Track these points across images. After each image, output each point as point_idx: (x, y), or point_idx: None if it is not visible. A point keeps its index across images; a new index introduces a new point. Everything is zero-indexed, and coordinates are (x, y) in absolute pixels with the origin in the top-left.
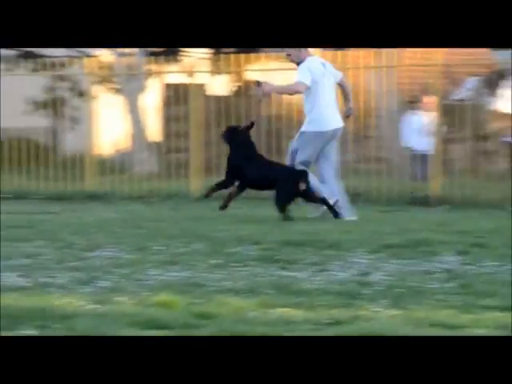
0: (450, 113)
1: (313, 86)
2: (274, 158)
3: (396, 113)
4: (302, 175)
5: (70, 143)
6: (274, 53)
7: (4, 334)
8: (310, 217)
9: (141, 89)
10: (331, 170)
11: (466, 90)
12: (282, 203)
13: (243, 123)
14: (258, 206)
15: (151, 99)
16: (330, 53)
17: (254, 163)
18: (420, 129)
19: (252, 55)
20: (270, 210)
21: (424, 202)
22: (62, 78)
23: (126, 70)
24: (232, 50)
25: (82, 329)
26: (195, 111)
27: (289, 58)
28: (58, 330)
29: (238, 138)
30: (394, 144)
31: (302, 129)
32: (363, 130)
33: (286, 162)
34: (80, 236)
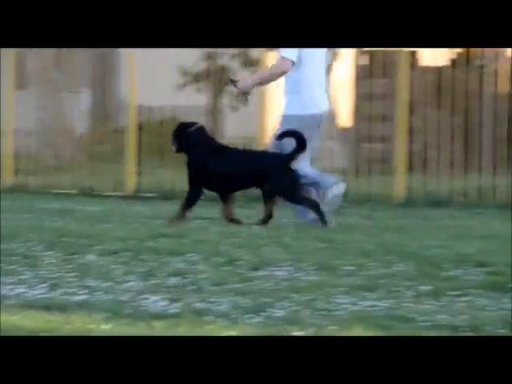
0: None
1: (298, 62)
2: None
3: None
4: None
5: (230, 127)
6: None
7: None
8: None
9: (328, 58)
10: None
11: None
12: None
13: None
14: (478, 215)
15: (341, 72)
16: None
17: (223, 157)
18: None
19: None
20: (494, 221)
21: None
22: None
23: None
24: None
25: None
26: (401, 87)
27: None
28: None
29: (191, 138)
30: None
31: (283, 112)
32: None
33: None
34: (245, 250)
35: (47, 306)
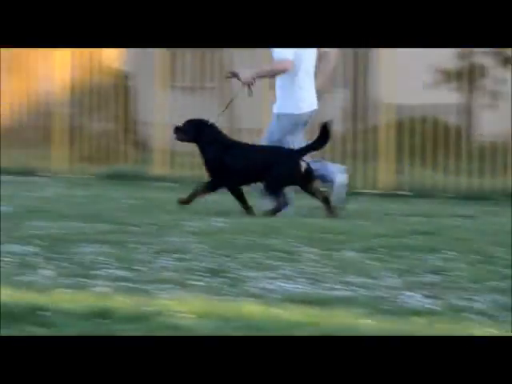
0: None
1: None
2: None
3: None
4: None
5: (488, 126)
6: None
7: None
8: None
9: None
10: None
11: None
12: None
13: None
14: None
15: None
16: None
17: (238, 152)
18: None
19: None
20: None
21: None
22: None
23: None
24: None
25: None
26: None
27: None
28: None
29: (207, 133)
30: None
31: (276, 110)
32: None
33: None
34: (504, 247)
35: (307, 300)
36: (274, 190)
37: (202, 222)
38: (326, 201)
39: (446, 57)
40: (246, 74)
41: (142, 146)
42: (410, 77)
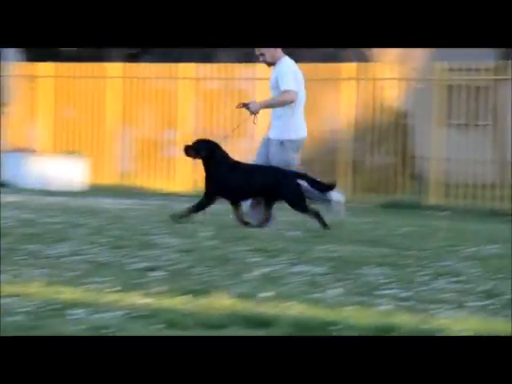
0: None
1: None
2: None
3: None
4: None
5: None
6: None
7: None
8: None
9: None
10: None
11: None
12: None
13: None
14: None
15: None
16: None
17: (240, 171)
18: None
19: None
20: None
21: None
22: None
23: None
24: None
25: None
26: None
27: (261, 58)
28: None
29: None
30: None
31: (278, 137)
32: None
33: None
34: None
35: None
36: (302, 206)
37: (476, 248)
38: (317, 216)
39: None
40: (255, 105)
41: (419, 178)
42: None
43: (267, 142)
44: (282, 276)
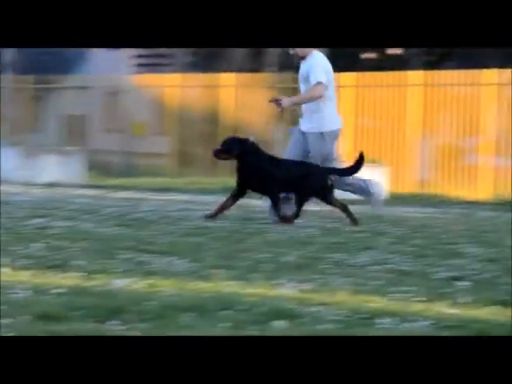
0: None
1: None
2: None
3: None
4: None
5: None
6: None
7: None
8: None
9: None
10: None
11: None
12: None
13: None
14: None
15: None
16: None
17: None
18: None
19: None
20: None
21: None
22: None
23: None
24: None
25: None
26: None
27: (292, 52)
28: None
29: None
30: None
31: (317, 129)
32: None
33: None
34: None
35: None
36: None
37: None
38: (345, 209)
39: None
40: (286, 101)
41: None
42: None
43: (300, 135)
44: None
